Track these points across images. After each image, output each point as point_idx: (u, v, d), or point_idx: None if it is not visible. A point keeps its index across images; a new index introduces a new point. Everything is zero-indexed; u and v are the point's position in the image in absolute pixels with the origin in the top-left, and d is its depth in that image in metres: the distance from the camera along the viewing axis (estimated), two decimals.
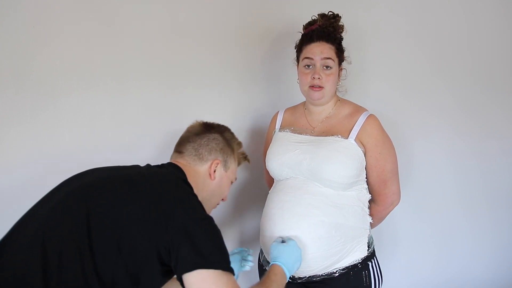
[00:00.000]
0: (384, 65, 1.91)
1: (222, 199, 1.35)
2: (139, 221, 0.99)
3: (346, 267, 1.37)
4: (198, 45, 1.83)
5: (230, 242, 1.94)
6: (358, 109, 1.48)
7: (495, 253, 2.01)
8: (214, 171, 1.26)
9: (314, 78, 1.42)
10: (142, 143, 1.81)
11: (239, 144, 1.37)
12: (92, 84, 1.74)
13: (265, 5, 1.88)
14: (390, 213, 1.53)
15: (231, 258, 1.26)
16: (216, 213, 1.87)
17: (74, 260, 0.95)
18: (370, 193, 1.48)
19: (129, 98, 1.79)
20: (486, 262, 2.02)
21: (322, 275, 1.36)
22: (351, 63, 1.57)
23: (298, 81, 1.53)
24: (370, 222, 1.46)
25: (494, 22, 1.92)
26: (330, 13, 1.49)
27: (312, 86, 1.43)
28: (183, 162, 1.24)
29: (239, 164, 1.38)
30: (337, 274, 1.36)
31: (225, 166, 1.29)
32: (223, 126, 1.35)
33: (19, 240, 1.01)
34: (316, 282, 1.38)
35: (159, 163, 1.26)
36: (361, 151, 1.40)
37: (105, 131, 1.76)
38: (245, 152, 1.39)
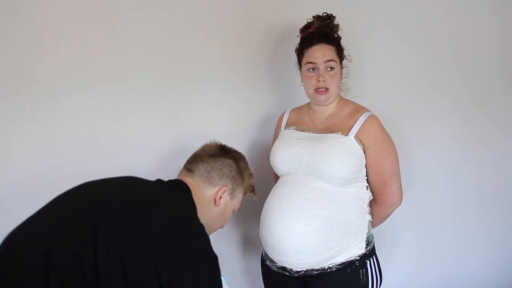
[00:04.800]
0: (383, 65, 1.90)
1: (221, 227, 1.33)
2: (149, 251, 0.94)
3: (342, 262, 1.39)
4: (201, 45, 1.83)
5: (235, 239, 1.95)
6: (359, 109, 1.50)
7: (493, 253, 2.01)
8: (220, 198, 1.23)
9: (319, 81, 1.45)
10: (143, 144, 1.81)
11: (251, 175, 1.35)
12: (93, 84, 1.74)
13: (271, 5, 1.87)
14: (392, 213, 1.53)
15: None
16: None
17: (78, 286, 0.90)
18: (371, 193, 1.49)
19: (130, 98, 1.78)
20: (484, 262, 2.02)
21: (319, 269, 1.39)
22: (351, 61, 1.57)
23: (302, 83, 1.56)
24: (370, 221, 1.47)
25: (493, 23, 1.91)
26: (324, 14, 1.52)
27: (317, 89, 1.46)
28: (192, 183, 1.21)
29: (245, 194, 1.36)
30: (334, 270, 1.38)
31: (232, 194, 1.26)
32: (239, 153, 1.33)
33: (18, 255, 0.95)
34: (313, 276, 1.40)
35: (171, 178, 1.23)
36: (361, 149, 1.41)
37: (105, 131, 1.77)
38: (254, 184, 1.37)
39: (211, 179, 1.21)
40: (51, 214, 1.04)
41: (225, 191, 1.23)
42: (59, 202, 1.08)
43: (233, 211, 1.33)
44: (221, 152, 1.27)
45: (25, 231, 1.02)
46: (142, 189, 1.11)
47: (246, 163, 1.33)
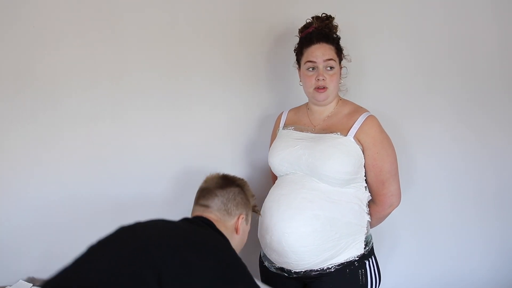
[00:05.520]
0: (382, 65, 1.90)
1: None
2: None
3: (341, 263, 1.39)
4: (201, 45, 1.83)
5: None
6: (358, 109, 1.50)
7: (493, 253, 2.01)
8: (239, 225, 1.28)
9: (318, 79, 1.45)
10: (143, 144, 1.82)
11: (253, 196, 1.38)
12: (92, 84, 1.75)
13: (271, 6, 1.87)
14: (390, 213, 1.53)
15: None
16: None
17: None
18: (369, 193, 1.49)
19: (130, 98, 1.79)
20: (484, 262, 2.01)
21: (318, 270, 1.39)
22: (350, 61, 1.57)
23: (300, 83, 1.55)
24: (369, 221, 1.47)
25: (493, 24, 1.89)
26: (323, 15, 1.53)
27: (317, 88, 1.46)
28: (214, 218, 1.24)
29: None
30: (333, 270, 1.38)
31: (247, 219, 1.31)
32: (242, 179, 1.37)
33: None
34: (312, 277, 1.40)
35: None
36: (359, 149, 1.42)
37: (105, 131, 1.78)
38: (256, 204, 1.40)
39: (229, 210, 1.25)
40: (104, 256, 1.01)
41: (242, 218, 1.28)
42: (105, 245, 1.06)
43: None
44: (227, 182, 1.31)
45: (78, 274, 0.97)
46: (186, 230, 1.13)
47: (248, 186, 1.37)
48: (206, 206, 1.26)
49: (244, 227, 1.30)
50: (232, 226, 1.26)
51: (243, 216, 1.28)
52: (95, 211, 1.82)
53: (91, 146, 1.76)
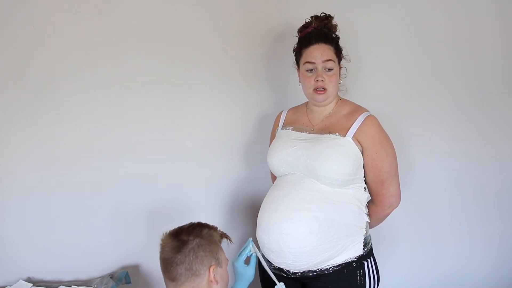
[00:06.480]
0: (382, 65, 1.90)
1: None
2: None
3: (339, 264, 1.38)
4: (201, 46, 1.84)
5: (232, 240, 1.93)
6: (358, 109, 1.49)
7: (493, 253, 2.01)
8: (214, 276, 1.20)
9: (317, 80, 1.45)
10: (143, 143, 1.82)
11: (215, 229, 1.28)
12: (93, 83, 1.76)
13: (271, 6, 1.87)
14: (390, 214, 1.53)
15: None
16: (217, 210, 1.90)
17: None
18: (369, 193, 1.49)
19: (130, 99, 1.79)
20: (484, 262, 2.02)
21: (316, 270, 1.39)
22: (350, 61, 1.57)
23: (300, 84, 1.55)
24: (368, 222, 1.47)
25: (494, 23, 1.90)
26: (322, 14, 1.52)
27: (316, 89, 1.46)
28: None
29: (221, 242, 1.29)
30: (331, 271, 1.38)
31: (219, 264, 1.22)
32: (195, 224, 1.26)
33: None
34: (310, 278, 1.40)
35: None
36: (358, 150, 1.41)
37: (105, 130, 1.78)
38: (223, 231, 1.30)
39: (196, 271, 1.17)
40: None
41: (214, 268, 1.20)
42: None
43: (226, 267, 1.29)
44: (182, 240, 1.20)
45: None
46: None
47: (206, 225, 1.26)
48: (175, 280, 1.18)
49: (220, 273, 1.22)
50: (207, 283, 1.19)
51: (213, 266, 1.19)
52: (95, 211, 1.82)
53: (90, 145, 1.77)
